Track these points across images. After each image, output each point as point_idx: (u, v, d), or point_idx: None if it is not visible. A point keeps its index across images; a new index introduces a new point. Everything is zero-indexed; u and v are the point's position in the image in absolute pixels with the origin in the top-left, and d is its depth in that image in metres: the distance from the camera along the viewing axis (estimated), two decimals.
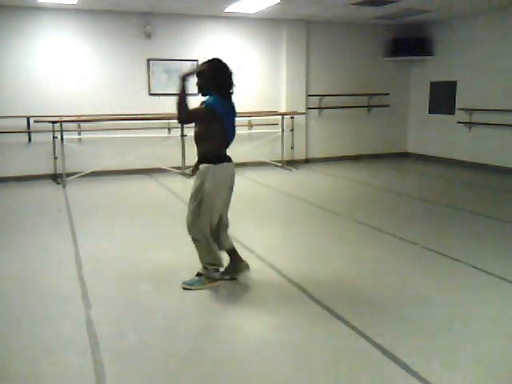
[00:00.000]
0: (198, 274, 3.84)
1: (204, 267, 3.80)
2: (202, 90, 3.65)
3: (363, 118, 10.54)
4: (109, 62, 8.64)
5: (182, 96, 3.49)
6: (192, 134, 3.79)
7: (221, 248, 3.86)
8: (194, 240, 3.77)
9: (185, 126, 8.31)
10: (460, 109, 9.53)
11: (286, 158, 9.59)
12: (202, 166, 3.66)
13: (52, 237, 5.12)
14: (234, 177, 3.77)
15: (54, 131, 7.84)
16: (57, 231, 5.32)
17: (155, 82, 8.89)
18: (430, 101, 10.34)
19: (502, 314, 3.34)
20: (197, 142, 3.72)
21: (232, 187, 3.79)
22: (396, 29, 10.25)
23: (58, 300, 3.57)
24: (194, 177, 3.76)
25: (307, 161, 10.11)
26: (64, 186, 7.69)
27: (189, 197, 3.75)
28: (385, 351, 2.80)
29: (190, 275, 3.87)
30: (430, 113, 10.37)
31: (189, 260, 4.23)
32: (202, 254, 3.79)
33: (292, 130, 9.66)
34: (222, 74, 3.62)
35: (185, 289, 3.72)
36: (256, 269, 4.05)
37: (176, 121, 3.70)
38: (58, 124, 7.67)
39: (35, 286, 3.81)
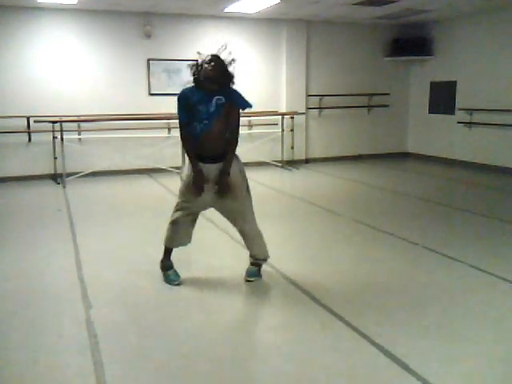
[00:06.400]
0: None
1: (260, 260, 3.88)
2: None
3: (363, 118, 10.54)
4: (109, 61, 8.64)
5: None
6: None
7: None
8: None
9: None
10: (460, 109, 9.53)
11: (286, 158, 9.59)
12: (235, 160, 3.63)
13: (52, 237, 5.12)
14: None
15: (54, 131, 7.84)
16: (57, 231, 5.32)
17: (155, 82, 8.89)
18: (429, 101, 10.34)
19: (502, 313, 3.34)
20: (216, 140, 3.59)
21: None
22: (396, 29, 10.25)
23: (58, 300, 3.57)
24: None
25: (307, 161, 10.11)
26: (64, 186, 7.69)
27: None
28: (385, 351, 2.80)
29: (190, 275, 3.88)
30: (430, 113, 10.36)
31: (189, 260, 4.23)
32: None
33: (292, 130, 9.66)
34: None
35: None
36: None
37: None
38: (58, 124, 7.66)
39: (35, 286, 3.80)
